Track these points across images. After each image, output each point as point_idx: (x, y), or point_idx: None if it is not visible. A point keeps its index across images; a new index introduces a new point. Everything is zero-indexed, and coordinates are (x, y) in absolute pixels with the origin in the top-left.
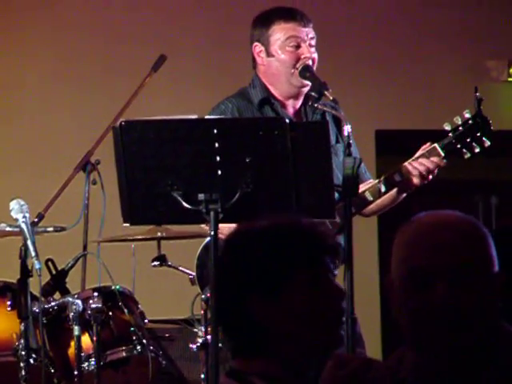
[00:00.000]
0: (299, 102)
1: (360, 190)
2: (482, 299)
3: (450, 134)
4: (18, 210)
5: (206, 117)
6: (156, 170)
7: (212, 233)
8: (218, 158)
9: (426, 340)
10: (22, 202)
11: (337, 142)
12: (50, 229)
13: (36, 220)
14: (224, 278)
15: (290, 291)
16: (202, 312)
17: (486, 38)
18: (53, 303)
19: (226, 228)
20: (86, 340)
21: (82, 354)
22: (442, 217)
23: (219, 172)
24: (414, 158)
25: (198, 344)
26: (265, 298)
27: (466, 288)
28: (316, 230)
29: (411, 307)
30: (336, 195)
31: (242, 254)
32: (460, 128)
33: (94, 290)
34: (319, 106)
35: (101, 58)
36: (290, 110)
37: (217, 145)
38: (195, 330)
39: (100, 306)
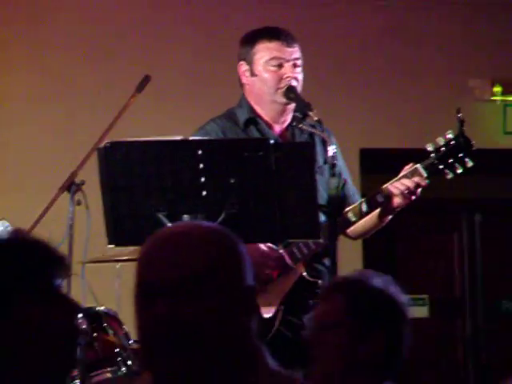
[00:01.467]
0: (286, 123)
1: (345, 211)
2: (211, 313)
3: (433, 155)
4: (1, 231)
5: (191, 138)
6: (141, 190)
7: None
8: (202, 179)
9: (151, 359)
10: (6, 224)
11: (324, 162)
12: None
13: None
14: None
15: (20, 306)
16: None
17: (469, 57)
18: None
19: None
20: None
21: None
22: (176, 230)
23: (204, 193)
24: (396, 178)
25: None
26: None
27: (190, 302)
28: (38, 243)
29: (138, 325)
30: (323, 217)
31: None
32: (442, 149)
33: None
34: (303, 127)
35: (85, 79)
36: (276, 130)
37: (201, 166)
38: None
39: (84, 327)
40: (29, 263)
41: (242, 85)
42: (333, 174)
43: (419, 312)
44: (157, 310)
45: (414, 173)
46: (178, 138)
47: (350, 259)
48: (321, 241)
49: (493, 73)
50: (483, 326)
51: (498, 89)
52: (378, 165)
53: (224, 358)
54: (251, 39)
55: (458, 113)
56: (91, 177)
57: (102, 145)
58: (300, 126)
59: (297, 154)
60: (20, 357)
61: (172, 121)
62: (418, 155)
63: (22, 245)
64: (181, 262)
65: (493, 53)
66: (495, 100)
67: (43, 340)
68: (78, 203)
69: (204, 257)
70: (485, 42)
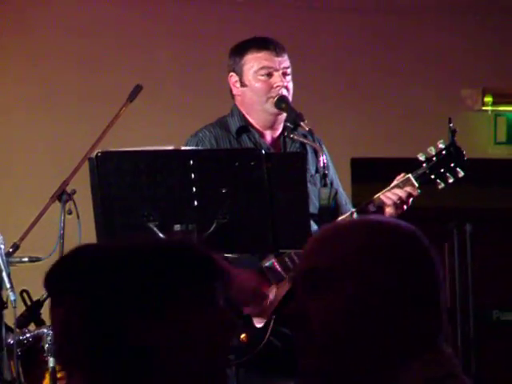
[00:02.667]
0: (277, 132)
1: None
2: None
3: (424, 165)
4: None
5: (183, 147)
6: (132, 200)
7: None
8: (194, 189)
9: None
10: None
11: (316, 171)
12: (26, 259)
13: (11, 250)
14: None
15: (174, 310)
16: None
17: (460, 67)
18: (28, 335)
19: None
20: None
21: None
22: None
23: (195, 203)
24: (388, 188)
25: None
26: (147, 318)
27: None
28: (205, 252)
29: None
30: (315, 226)
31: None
32: (434, 159)
33: None
34: (295, 137)
35: (76, 87)
36: (268, 139)
37: (193, 176)
38: None
39: None
40: (194, 269)
41: (233, 95)
42: (324, 184)
43: None
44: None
45: (406, 182)
46: (170, 147)
47: None
48: None
49: (484, 82)
50: (474, 335)
51: (488, 99)
52: (369, 174)
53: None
54: (240, 50)
55: (450, 122)
56: (82, 186)
57: (93, 154)
58: (291, 135)
59: (289, 164)
60: (165, 361)
61: (164, 130)
62: (409, 165)
63: (192, 251)
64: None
65: (484, 62)
66: (486, 110)
67: (193, 348)
68: (69, 212)
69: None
70: (476, 52)
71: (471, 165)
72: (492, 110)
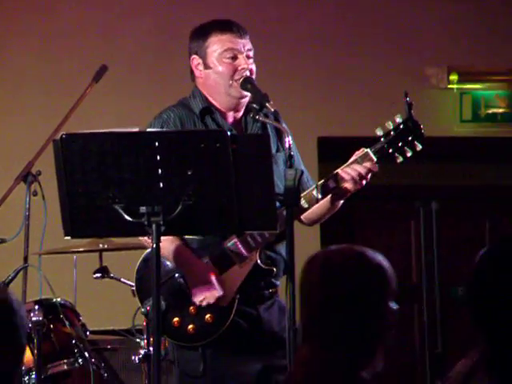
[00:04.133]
0: (240, 113)
1: None
2: None
3: (382, 139)
4: None
5: (148, 129)
6: (97, 182)
7: (154, 245)
8: (159, 171)
9: None
10: None
11: (277, 150)
12: None
13: None
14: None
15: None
16: (144, 323)
17: (426, 45)
18: None
19: (166, 241)
20: (27, 353)
21: (23, 368)
22: None
23: (161, 185)
24: (347, 164)
25: (141, 355)
26: None
27: None
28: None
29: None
30: (277, 204)
31: None
32: (392, 133)
33: (35, 302)
34: (260, 118)
35: (42, 69)
36: (230, 120)
37: (158, 157)
38: (138, 340)
39: (41, 318)
40: None
41: (193, 78)
42: (290, 165)
43: None
44: None
45: (365, 157)
46: (135, 129)
47: (307, 247)
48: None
49: (449, 61)
50: (440, 312)
51: (454, 77)
52: (335, 153)
53: None
54: (203, 32)
55: (406, 96)
56: (48, 167)
57: (57, 136)
58: (257, 117)
59: (254, 146)
60: None
61: (129, 112)
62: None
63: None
64: None
65: (450, 40)
66: (452, 88)
67: None
68: (34, 194)
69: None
70: (441, 30)
71: (437, 143)
72: (457, 88)
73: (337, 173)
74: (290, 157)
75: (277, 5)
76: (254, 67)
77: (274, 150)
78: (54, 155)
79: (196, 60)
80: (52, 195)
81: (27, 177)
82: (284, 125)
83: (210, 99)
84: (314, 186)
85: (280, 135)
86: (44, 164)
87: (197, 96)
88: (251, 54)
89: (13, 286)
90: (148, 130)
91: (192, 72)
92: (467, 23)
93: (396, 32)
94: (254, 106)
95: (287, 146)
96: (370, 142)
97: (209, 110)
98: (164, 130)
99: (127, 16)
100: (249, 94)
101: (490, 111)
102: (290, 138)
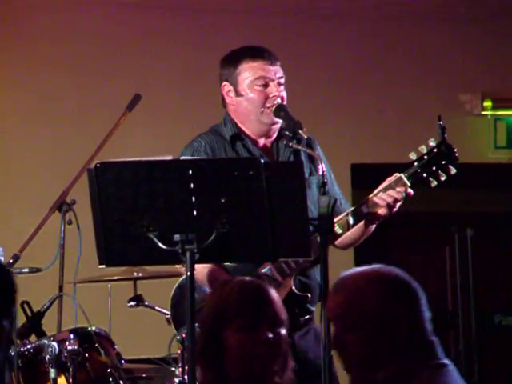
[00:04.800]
0: (271, 139)
1: None
2: None
3: (416, 164)
4: None
5: (181, 157)
6: (131, 211)
7: (188, 273)
8: (193, 199)
9: None
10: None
11: (310, 174)
12: (26, 270)
13: (11, 261)
14: None
15: None
16: (179, 352)
17: (459, 72)
18: (28, 346)
19: (201, 268)
20: (63, 382)
21: None
22: None
23: (195, 212)
24: (380, 188)
25: (176, 383)
26: None
27: None
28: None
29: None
30: (310, 229)
31: None
32: (425, 157)
33: (71, 331)
34: (293, 146)
35: (76, 98)
36: (261, 146)
37: (192, 185)
38: (172, 369)
39: (76, 347)
40: None
41: (225, 104)
42: (323, 192)
43: None
44: None
45: (398, 182)
46: (169, 157)
47: (341, 271)
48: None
49: (483, 87)
50: (476, 339)
51: (488, 103)
52: (369, 179)
53: None
54: (234, 59)
55: (440, 120)
56: (82, 196)
57: (92, 165)
58: (290, 144)
59: (287, 173)
60: None
61: (163, 139)
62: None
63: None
64: None
65: (483, 67)
66: (486, 114)
67: None
68: (69, 223)
69: None
70: (475, 57)
71: (471, 169)
72: (491, 115)
73: (371, 198)
74: (324, 184)
75: (311, 33)
76: (284, 94)
77: (307, 174)
78: (88, 184)
79: (227, 87)
80: (87, 224)
81: (62, 206)
82: (319, 151)
83: (241, 126)
84: (348, 211)
85: (313, 160)
86: (79, 193)
87: (228, 122)
88: (282, 81)
89: (48, 314)
90: (181, 158)
91: (223, 98)
92: (501, 50)
93: (430, 59)
94: (287, 133)
95: (320, 172)
96: (402, 167)
97: (239, 136)
98: (197, 158)
99: (161, 44)
100: (280, 121)
101: None
102: (323, 164)
